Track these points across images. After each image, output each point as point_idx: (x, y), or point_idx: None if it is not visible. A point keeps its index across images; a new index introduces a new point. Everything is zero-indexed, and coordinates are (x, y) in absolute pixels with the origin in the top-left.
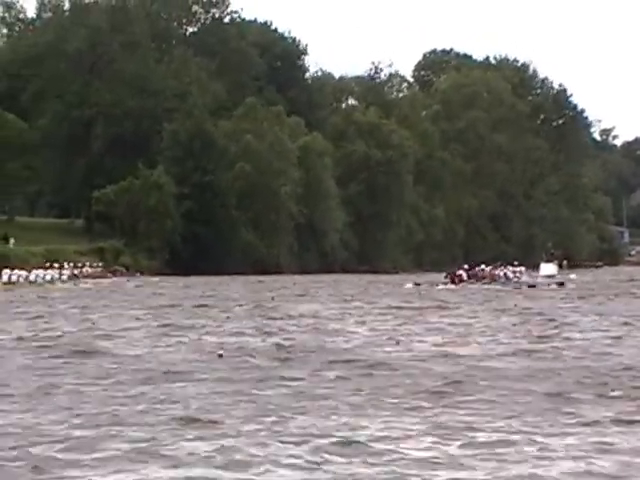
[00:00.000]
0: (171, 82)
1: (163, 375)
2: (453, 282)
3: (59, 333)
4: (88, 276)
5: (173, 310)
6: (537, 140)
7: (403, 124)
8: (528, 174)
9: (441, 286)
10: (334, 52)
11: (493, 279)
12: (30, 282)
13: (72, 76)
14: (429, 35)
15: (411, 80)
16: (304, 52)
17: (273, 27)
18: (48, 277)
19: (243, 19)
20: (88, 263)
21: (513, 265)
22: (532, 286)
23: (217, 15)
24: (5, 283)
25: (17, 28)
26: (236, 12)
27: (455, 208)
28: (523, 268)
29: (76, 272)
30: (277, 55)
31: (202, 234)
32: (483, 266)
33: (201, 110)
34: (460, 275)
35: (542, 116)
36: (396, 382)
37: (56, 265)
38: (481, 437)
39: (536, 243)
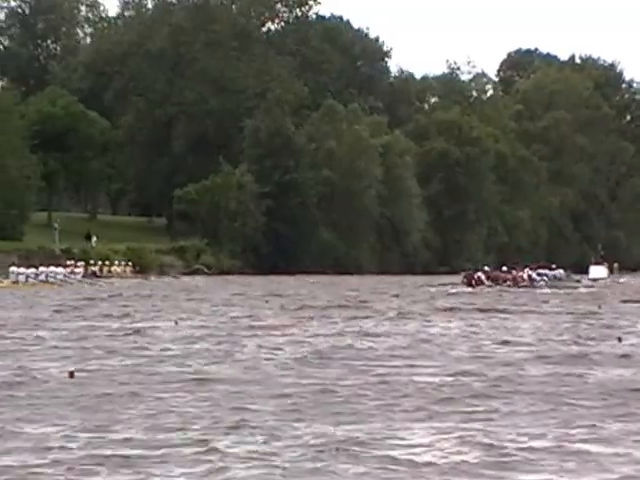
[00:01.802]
0: (252, 81)
1: None
2: (470, 285)
3: None
4: (115, 275)
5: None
6: (623, 141)
7: (485, 123)
8: (613, 175)
9: (454, 289)
10: (416, 52)
11: (515, 282)
12: (41, 281)
13: (155, 74)
14: (513, 35)
15: (495, 80)
16: (387, 52)
17: (355, 27)
18: (60, 276)
19: (325, 18)
20: (117, 262)
21: (551, 268)
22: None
23: (299, 14)
24: (14, 282)
25: (100, 27)
26: (318, 12)
27: (537, 209)
28: (562, 271)
29: (94, 269)
30: (358, 54)
31: (282, 233)
32: (505, 268)
33: (282, 109)
34: (479, 277)
35: (628, 117)
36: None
37: (69, 262)
38: None
39: (619, 245)
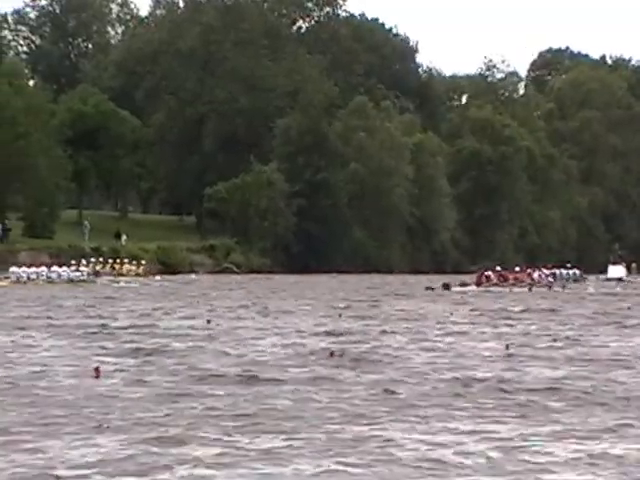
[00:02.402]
0: (283, 79)
1: None
2: (479, 284)
3: None
4: (125, 275)
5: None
6: None
7: (516, 122)
8: None
9: (460, 288)
10: (445, 52)
11: (522, 282)
12: (42, 281)
13: (185, 73)
14: (544, 34)
15: (526, 79)
16: (416, 50)
17: (385, 25)
18: (64, 275)
19: (355, 17)
20: (127, 261)
21: (566, 267)
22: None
23: (329, 12)
24: (14, 282)
25: (131, 25)
26: (348, 10)
27: (567, 209)
28: (577, 270)
29: (97, 268)
30: (389, 53)
31: (313, 232)
32: (517, 268)
33: (313, 107)
34: (488, 277)
35: None
36: None
37: (74, 262)
38: None
39: None
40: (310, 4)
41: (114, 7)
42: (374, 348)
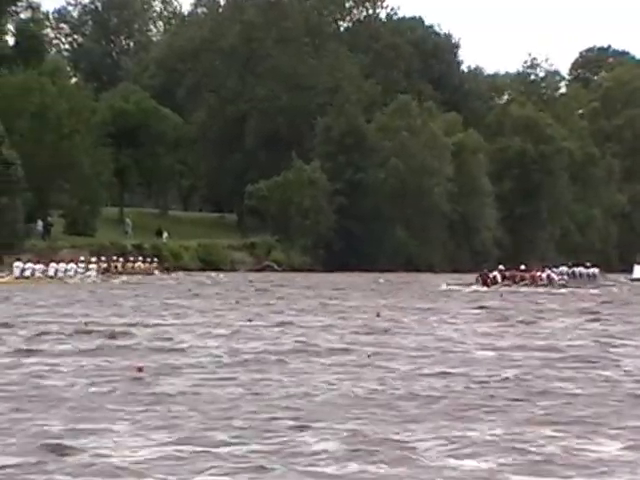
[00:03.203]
0: (324, 77)
1: None
2: (485, 284)
3: None
4: (138, 272)
5: None
6: None
7: (559, 121)
8: None
9: (468, 289)
10: (487, 49)
11: (534, 281)
12: (50, 277)
13: (227, 71)
14: (586, 32)
15: (568, 78)
16: (458, 48)
17: (426, 23)
18: (71, 272)
19: (396, 15)
20: (141, 258)
21: (585, 266)
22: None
23: (370, 11)
24: (17, 277)
25: (173, 23)
26: (389, 8)
27: (608, 207)
28: (596, 270)
29: (105, 265)
30: (430, 51)
31: (354, 231)
32: (523, 267)
33: (354, 106)
34: (494, 277)
35: None
36: None
37: (82, 258)
38: None
39: None
40: (350, 3)
41: (156, 4)
42: None
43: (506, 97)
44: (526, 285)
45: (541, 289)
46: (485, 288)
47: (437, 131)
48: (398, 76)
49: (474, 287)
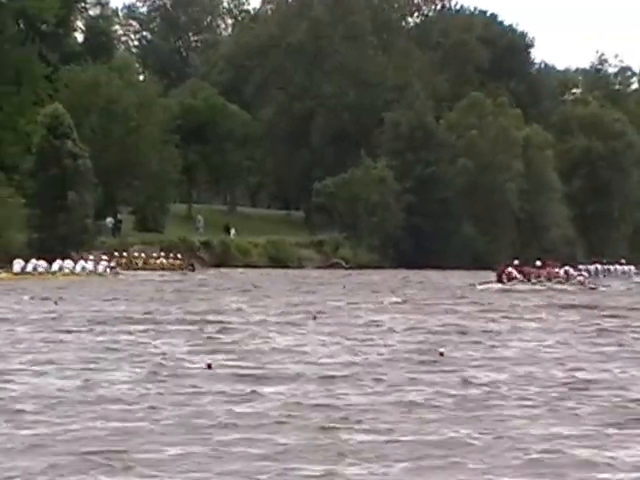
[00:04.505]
0: (392, 74)
1: None
2: (500, 280)
3: None
4: (162, 268)
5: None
6: None
7: (630, 117)
8: None
9: (483, 286)
10: (558, 45)
11: (550, 278)
12: (52, 273)
13: (294, 68)
14: None
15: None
16: (530, 44)
17: (498, 18)
18: (79, 268)
19: (467, 11)
20: (163, 254)
21: (620, 263)
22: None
23: (440, 6)
24: (17, 273)
25: (241, 20)
26: (459, 4)
27: None
28: (632, 267)
29: (113, 263)
30: (501, 47)
31: (422, 228)
32: (539, 263)
33: (422, 102)
34: (510, 273)
35: None
36: None
37: (91, 257)
38: None
39: None
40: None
41: (224, 1)
42: None
43: (575, 93)
44: (541, 282)
45: (558, 286)
46: (499, 285)
47: (507, 127)
48: (469, 72)
49: (486, 286)
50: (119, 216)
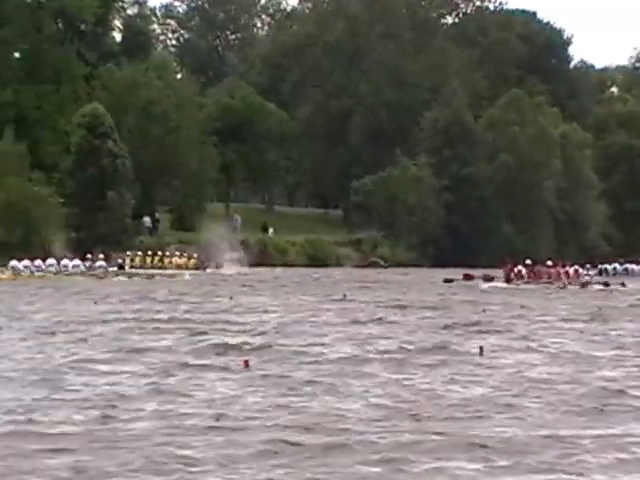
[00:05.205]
0: (429, 73)
1: None
2: (508, 280)
3: None
4: (174, 267)
5: None
6: None
7: None
8: None
9: (487, 284)
10: (597, 43)
11: (558, 278)
12: (53, 273)
13: (331, 67)
14: None
15: None
16: (569, 42)
17: (536, 16)
18: (81, 268)
19: (505, 9)
20: (178, 253)
21: (638, 262)
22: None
23: (479, 5)
24: (14, 275)
25: (278, 18)
26: (498, 1)
27: None
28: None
29: (120, 261)
30: (539, 45)
31: (460, 226)
32: (549, 262)
33: (460, 100)
34: (519, 271)
35: None
36: None
37: (89, 255)
38: None
39: None
40: None
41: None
42: None
43: (613, 92)
44: (549, 282)
45: (571, 286)
46: (505, 284)
47: (546, 125)
48: (507, 70)
49: (489, 284)
50: (156, 215)
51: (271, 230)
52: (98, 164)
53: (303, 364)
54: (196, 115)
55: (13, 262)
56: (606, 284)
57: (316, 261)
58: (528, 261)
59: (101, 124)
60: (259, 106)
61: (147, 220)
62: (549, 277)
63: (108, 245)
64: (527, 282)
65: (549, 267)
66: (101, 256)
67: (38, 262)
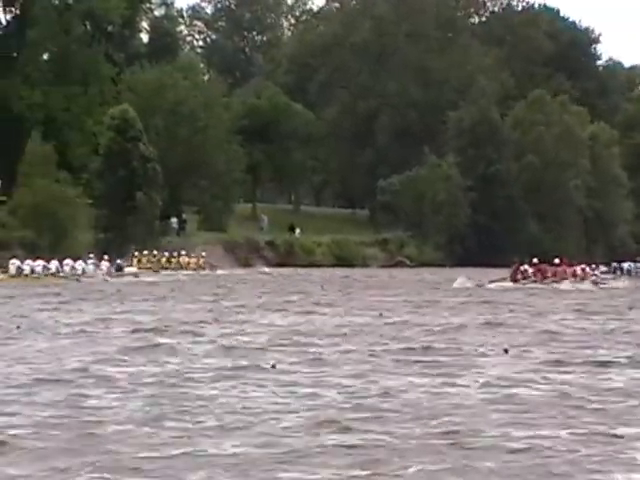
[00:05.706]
0: (456, 72)
1: None
2: (515, 279)
3: None
4: (186, 267)
5: None
6: None
7: None
8: None
9: (493, 284)
10: (627, 42)
11: (563, 277)
12: (53, 275)
13: (358, 67)
14: None
15: None
16: (596, 40)
17: (564, 15)
18: (80, 270)
19: (533, 7)
20: (184, 252)
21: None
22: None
23: (506, 3)
24: (13, 276)
25: (304, 19)
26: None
27: None
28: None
29: (119, 261)
30: (567, 43)
31: (487, 226)
32: (557, 260)
33: (487, 99)
34: (525, 271)
35: None
36: None
37: (91, 255)
38: None
39: None
40: None
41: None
42: None
43: None
44: (555, 281)
45: (584, 285)
46: (510, 284)
47: (573, 124)
48: (534, 68)
49: (496, 284)
50: (184, 216)
51: (298, 230)
52: (128, 166)
53: None
54: (223, 116)
55: (13, 261)
56: (596, 283)
57: (342, 261)
58: (535, 260)
59: (131, 127)
60: (285, 106)
61: (174, 221)
62: (555, 276)
63: (136, 246)
64: (534, 281)
65: (556, 266)
66: (105, 257)
67: (39, 262)
